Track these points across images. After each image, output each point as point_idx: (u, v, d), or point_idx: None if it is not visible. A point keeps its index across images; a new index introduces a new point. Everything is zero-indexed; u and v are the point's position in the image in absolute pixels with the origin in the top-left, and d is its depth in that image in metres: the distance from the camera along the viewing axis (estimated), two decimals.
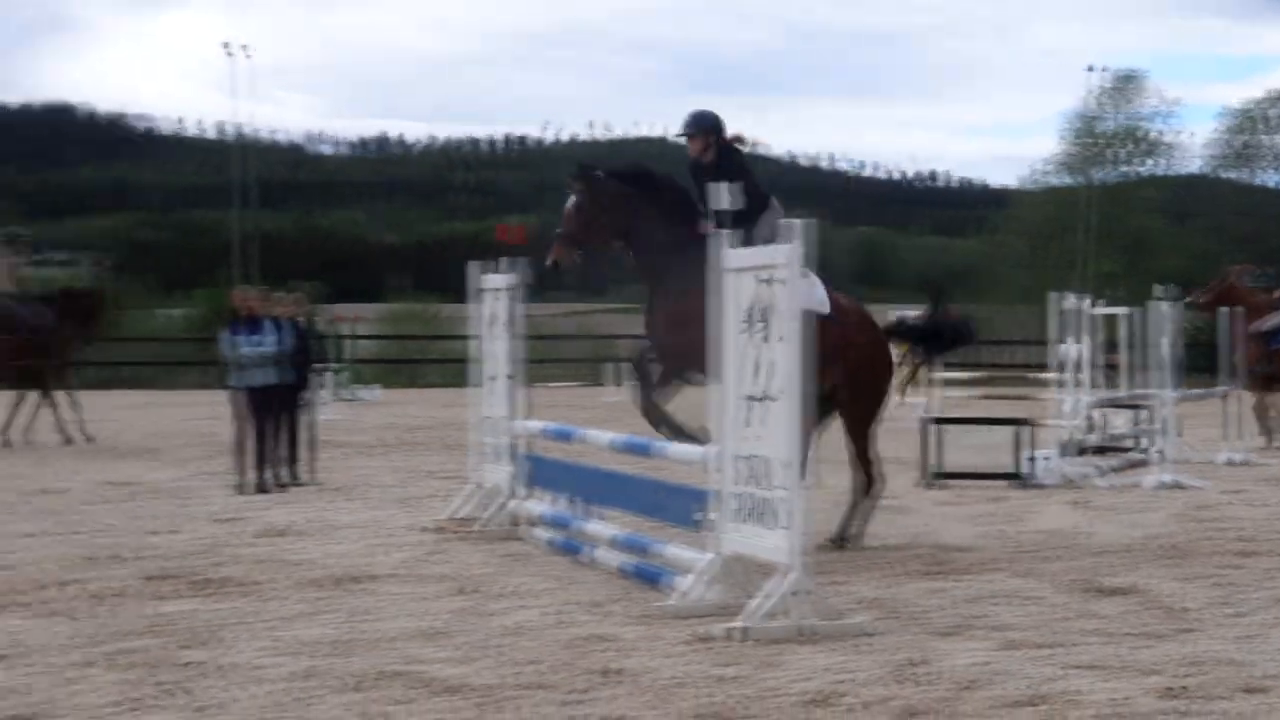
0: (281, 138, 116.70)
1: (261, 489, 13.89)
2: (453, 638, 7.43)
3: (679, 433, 10.16)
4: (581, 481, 10.36)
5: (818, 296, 10.18)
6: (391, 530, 11.40)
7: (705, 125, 10.39)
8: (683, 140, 10.41)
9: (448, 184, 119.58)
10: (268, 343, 13.93)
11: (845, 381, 10.47)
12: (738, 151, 10.45)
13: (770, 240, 10.16)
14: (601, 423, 15.97)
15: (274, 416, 14.13)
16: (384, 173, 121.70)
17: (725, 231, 8.05)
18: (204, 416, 22.13)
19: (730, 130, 10.42)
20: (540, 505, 10.78)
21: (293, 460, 14.47)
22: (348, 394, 28.01)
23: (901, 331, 12.16)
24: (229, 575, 9.29)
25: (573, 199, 10.31)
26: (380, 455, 17.99)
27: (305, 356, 14.49)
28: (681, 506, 8.69)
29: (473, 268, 11.78)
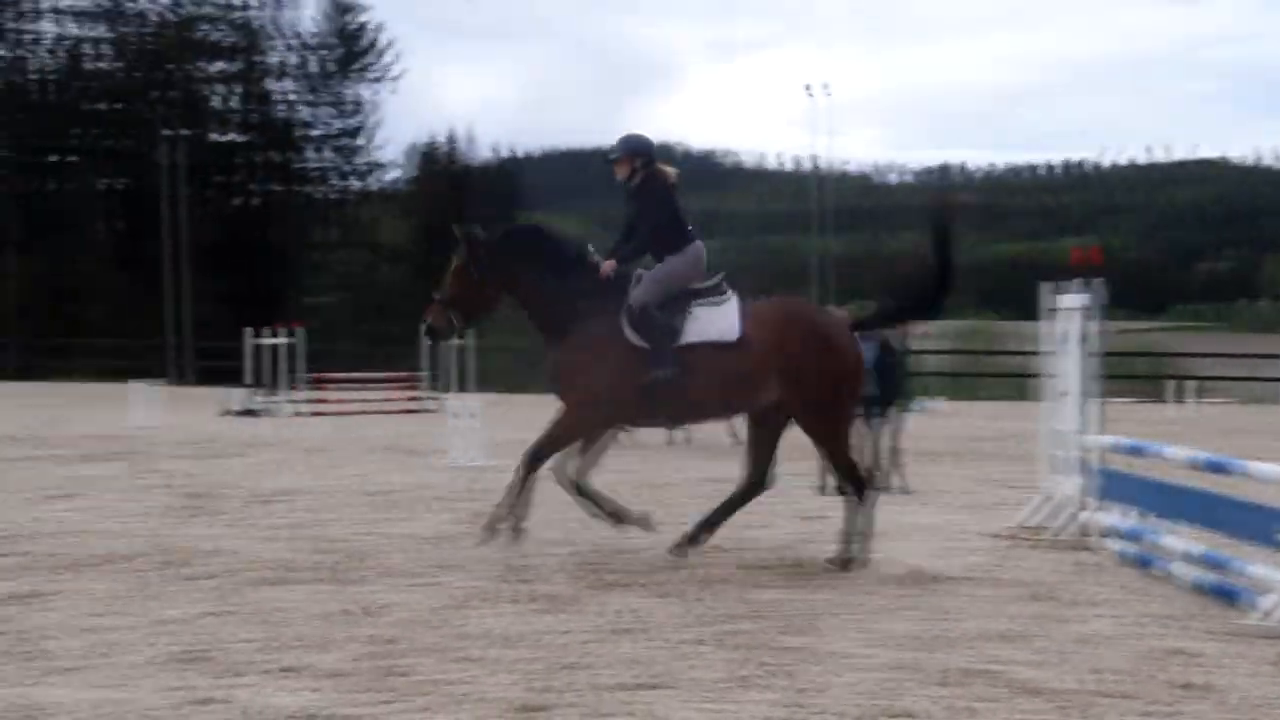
0: (853, 168, 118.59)
1: (841, 491, 13.97)
2: (1030, 641, 7.17)
3: (612, 514, 9.91)
4: (1154, 496, 9.80)
5: (721, 328, 9.26)
6: (963, 534, 11.18)
7: (631, 149, 9.57)
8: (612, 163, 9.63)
9: (1005, 208, 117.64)
10: None
11: (789, 397, 9.29)
12: (661, 182, 9.58)
13: (676, 276, 9.35)
14: (1165, 438, 15.07)
15: (857, 426, 14.17)
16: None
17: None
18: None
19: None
20: (1111, 517, 10.28)
21: (874, 468, 14.46)
22: (916, 405, 27.85)
23: (871, 323, 10.22)
24: (817, 569, 9.38)
25: (454, 262, 9.62)
26: (948, 463, 17.76)
27: (891, 371, 14.45)
28: (1261, 525, 8.04)
29: (1044, 288, 11.36)
